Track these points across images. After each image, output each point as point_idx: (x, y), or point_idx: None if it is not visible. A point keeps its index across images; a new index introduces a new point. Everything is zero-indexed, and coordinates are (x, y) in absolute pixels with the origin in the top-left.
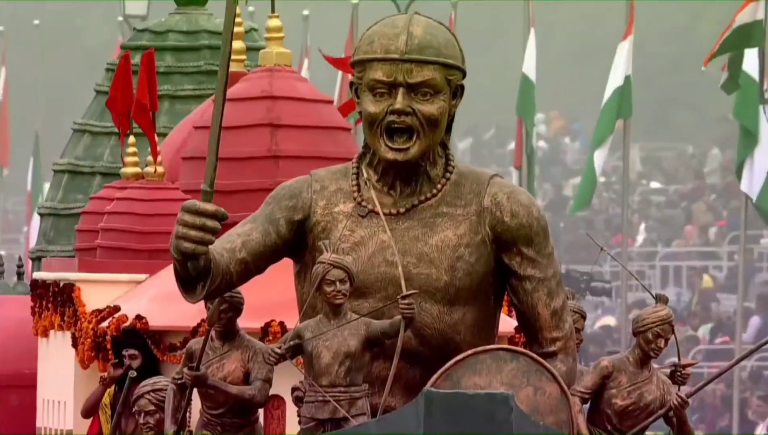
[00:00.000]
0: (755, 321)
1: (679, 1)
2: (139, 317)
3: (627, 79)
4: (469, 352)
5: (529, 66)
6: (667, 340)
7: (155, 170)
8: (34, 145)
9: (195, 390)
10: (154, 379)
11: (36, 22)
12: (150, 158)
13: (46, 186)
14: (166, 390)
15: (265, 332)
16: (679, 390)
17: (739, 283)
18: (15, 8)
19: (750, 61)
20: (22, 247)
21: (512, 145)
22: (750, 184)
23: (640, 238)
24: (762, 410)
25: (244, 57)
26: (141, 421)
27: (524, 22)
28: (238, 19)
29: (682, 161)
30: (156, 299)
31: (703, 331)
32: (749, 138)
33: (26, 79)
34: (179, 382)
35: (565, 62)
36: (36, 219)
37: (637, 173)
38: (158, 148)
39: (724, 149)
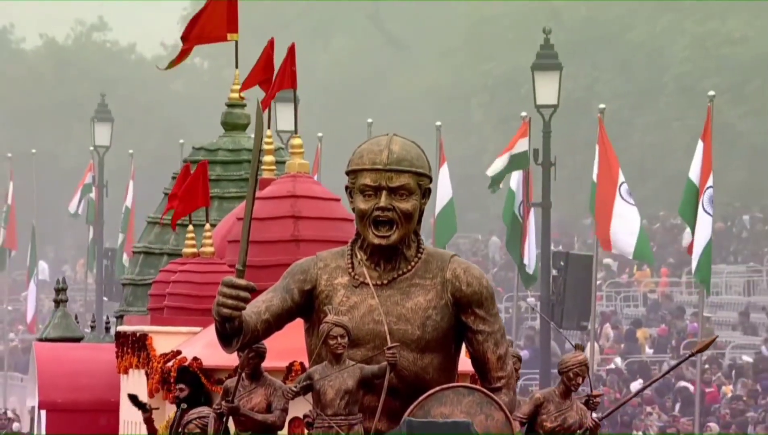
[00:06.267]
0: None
1: (473, 132)
2: (195, 359)
3: (451, 200)
4: (437, 388)
5: None
6: (584, 378)
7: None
8: (31, 234)
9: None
10: (199, 408)
11: (33, 150)
12: (204, 241)
13: (41, 262)
14: (208, 417)
15: (289, 369)
16: (592, 414)
17: (512, 328)
18: (18, 141)
19: (514, 179)
20: (22, 304)
21: None
22: (529, 260)
23: None
24: None
25: (274, 167)
26: None
27: None
28: (269, 140)
29: (473, 245)
30: (208, 346)
31: None
32: (516, 230)
33: (26, 189)
34: (218, 411)
35: None
36: (32, 286)
37: None
38: (209, 234)
39: (502, 237)
